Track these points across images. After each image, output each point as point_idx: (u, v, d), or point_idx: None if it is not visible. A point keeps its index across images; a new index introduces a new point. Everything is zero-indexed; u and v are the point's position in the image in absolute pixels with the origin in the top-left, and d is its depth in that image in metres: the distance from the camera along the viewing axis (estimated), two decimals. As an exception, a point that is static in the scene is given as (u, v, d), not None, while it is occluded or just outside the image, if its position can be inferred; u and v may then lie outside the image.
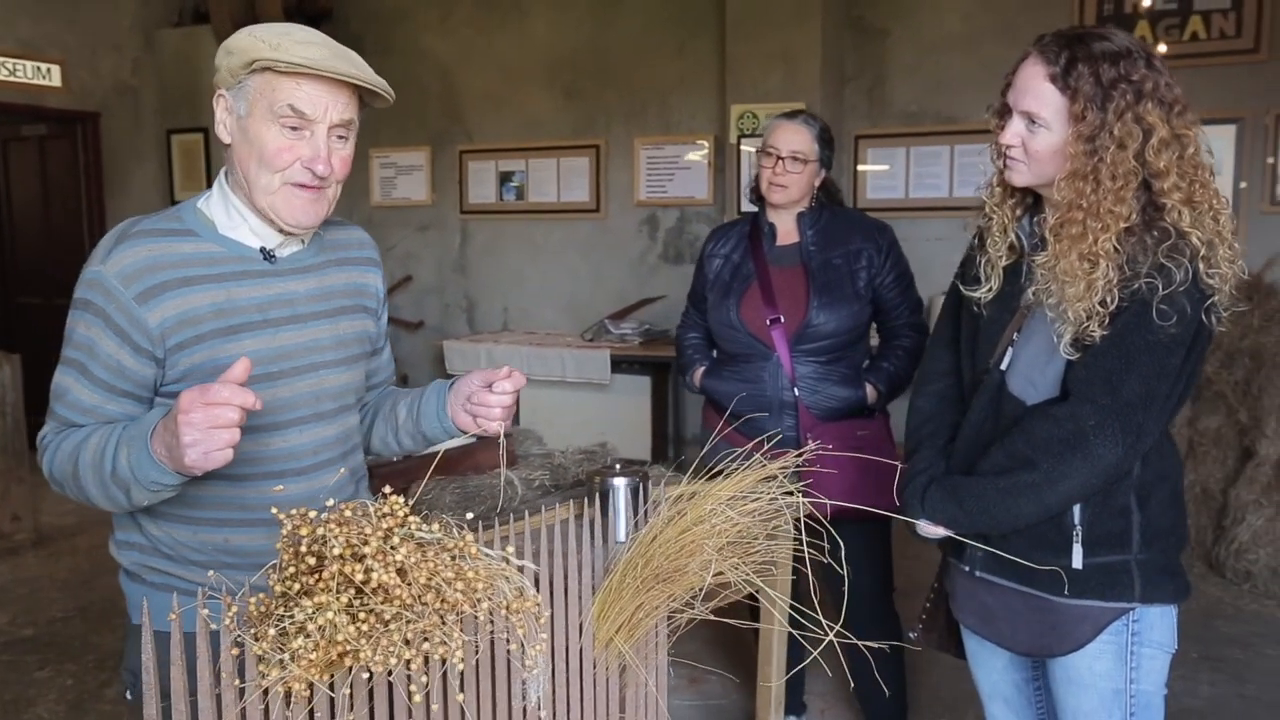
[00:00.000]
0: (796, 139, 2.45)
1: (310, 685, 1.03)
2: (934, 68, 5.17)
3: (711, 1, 5.49)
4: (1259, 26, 4.57)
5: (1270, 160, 4.62)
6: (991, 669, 1.80)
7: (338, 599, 1.00)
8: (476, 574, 1.08)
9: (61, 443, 1.32)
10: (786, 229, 2.53)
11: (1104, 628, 1.57)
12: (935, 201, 5.20)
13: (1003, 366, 1.62)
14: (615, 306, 5.92)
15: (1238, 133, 4.63)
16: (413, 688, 1.06)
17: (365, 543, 1.02)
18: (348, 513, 1.05)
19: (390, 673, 1.12)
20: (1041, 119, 1.50)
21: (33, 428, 2.48)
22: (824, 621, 1.41)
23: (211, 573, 1.16)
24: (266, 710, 1.05)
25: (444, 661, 1.08)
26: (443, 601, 1.05)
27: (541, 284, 6.26)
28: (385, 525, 1.05)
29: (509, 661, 1.31)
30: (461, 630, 1.08)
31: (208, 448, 1.14)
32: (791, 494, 1.49)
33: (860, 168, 5.37)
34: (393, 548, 1.03)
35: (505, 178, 6.29)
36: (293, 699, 1.04)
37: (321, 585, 1.01)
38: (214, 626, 1.02)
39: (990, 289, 1.65)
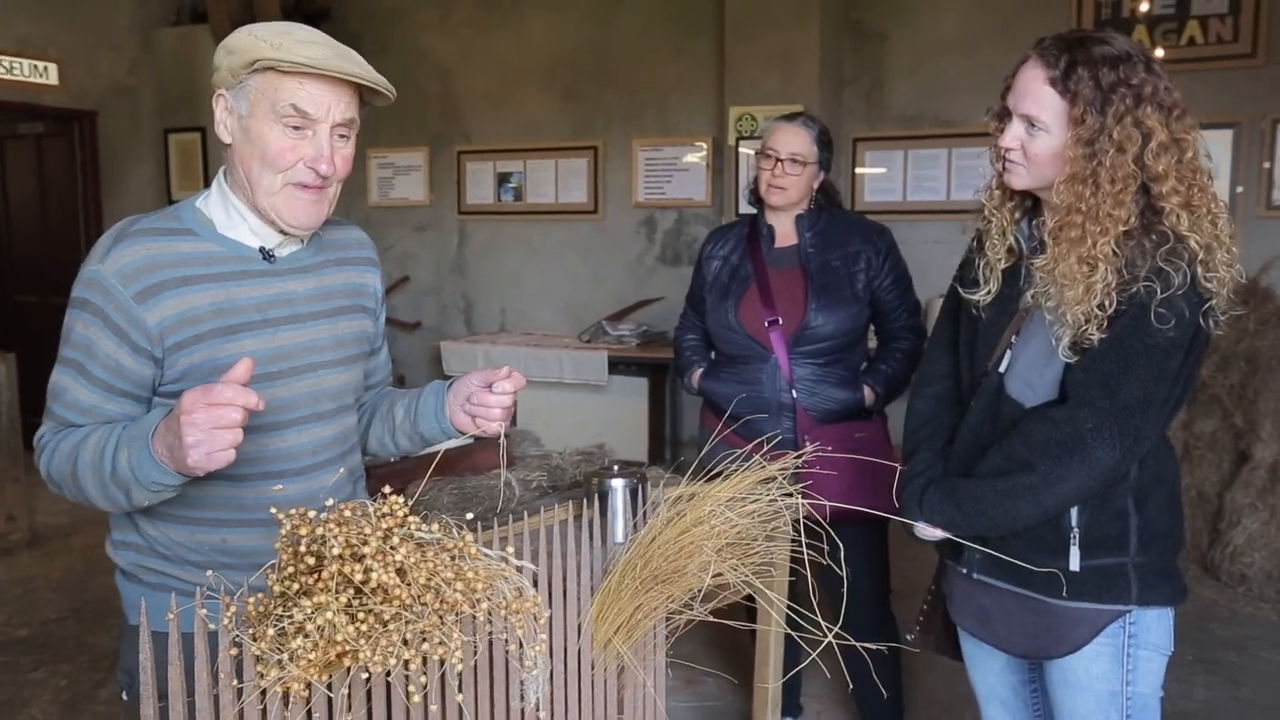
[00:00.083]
0: (796, 141, 2.45)
1: (309, 685, 1.03)
2: (932, 71, 5.17)
3: (710, 3, 5.49)
4: (1256, 31, 4.58)
5: (1267, 165, 4.63)
6: (988, 671, 1.80)
7: (337, 599, 1.00)
8: (476, 574, 1.08)
9: (60, 443, 1.32)
10: (785, 231, 2.53)
11: (1101, 630, 1.57)
12: (933, 204, 5.20)
13: (1001, 369, 1.63)
14: (613, 308, 5.92)
15: (1234, 137, 4.64)
16: (412, 688, 1.06)
17: (365, 543, 1.01)
18: (347, 513, 1.05)
19: (389, 673, 1.12)
20: (1041, 122, 1.50)
21: (28, 427, 2.48)
22: (822, 623, 1.41)
23: (210, 572, 1.16)
24: (265, 711, 1.05)
25: (443, 662, 1.08)
26: (442, 602, 1.05)
27: (539, 285, 6.25)
28: (385, 525, 1.05)
29: (508, 662, 1.31)
30: (460, 631, 1.07)
31: (211, 448, 1.14)
32: (790, 495, 1.49)
33: (858, 170, 5.37)
34: (392, 548, 1.03)
35: (503, 178, 6.28)
36: (291, 699, 1.03)
37: (320, 585, 1.00)
38: (212, 627, 1.02)
39: (989, 292, 1.65)
